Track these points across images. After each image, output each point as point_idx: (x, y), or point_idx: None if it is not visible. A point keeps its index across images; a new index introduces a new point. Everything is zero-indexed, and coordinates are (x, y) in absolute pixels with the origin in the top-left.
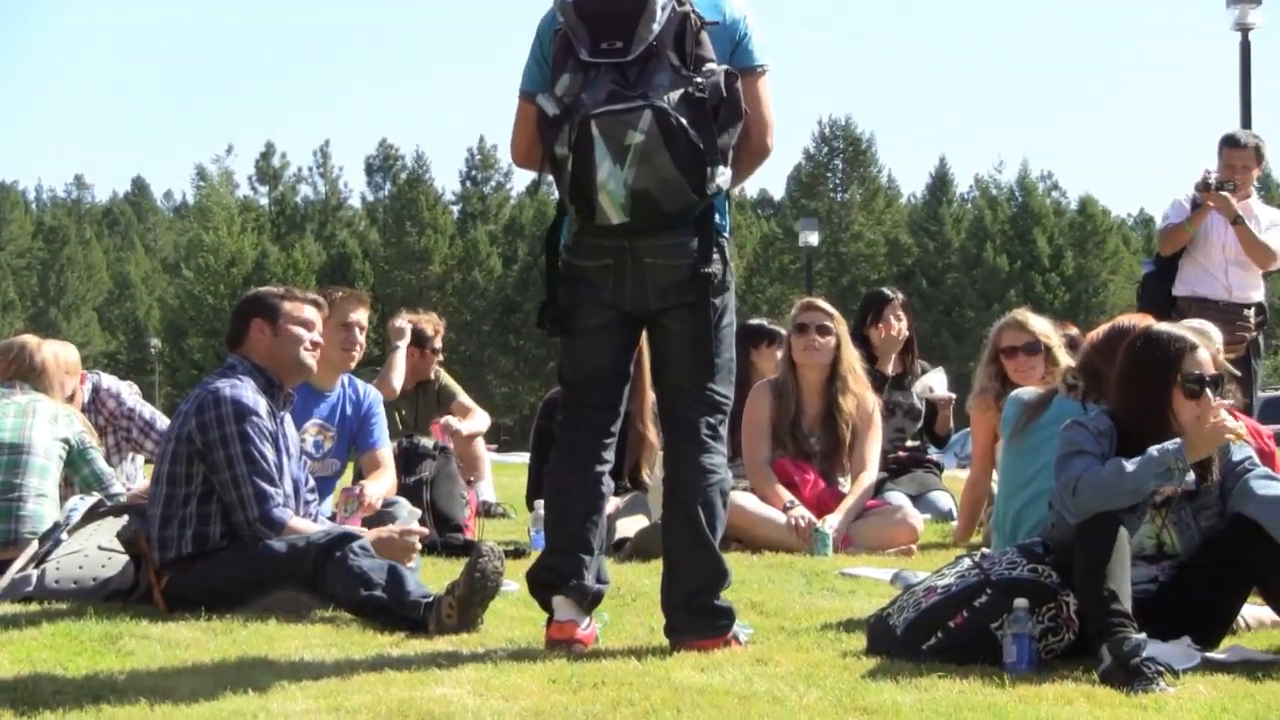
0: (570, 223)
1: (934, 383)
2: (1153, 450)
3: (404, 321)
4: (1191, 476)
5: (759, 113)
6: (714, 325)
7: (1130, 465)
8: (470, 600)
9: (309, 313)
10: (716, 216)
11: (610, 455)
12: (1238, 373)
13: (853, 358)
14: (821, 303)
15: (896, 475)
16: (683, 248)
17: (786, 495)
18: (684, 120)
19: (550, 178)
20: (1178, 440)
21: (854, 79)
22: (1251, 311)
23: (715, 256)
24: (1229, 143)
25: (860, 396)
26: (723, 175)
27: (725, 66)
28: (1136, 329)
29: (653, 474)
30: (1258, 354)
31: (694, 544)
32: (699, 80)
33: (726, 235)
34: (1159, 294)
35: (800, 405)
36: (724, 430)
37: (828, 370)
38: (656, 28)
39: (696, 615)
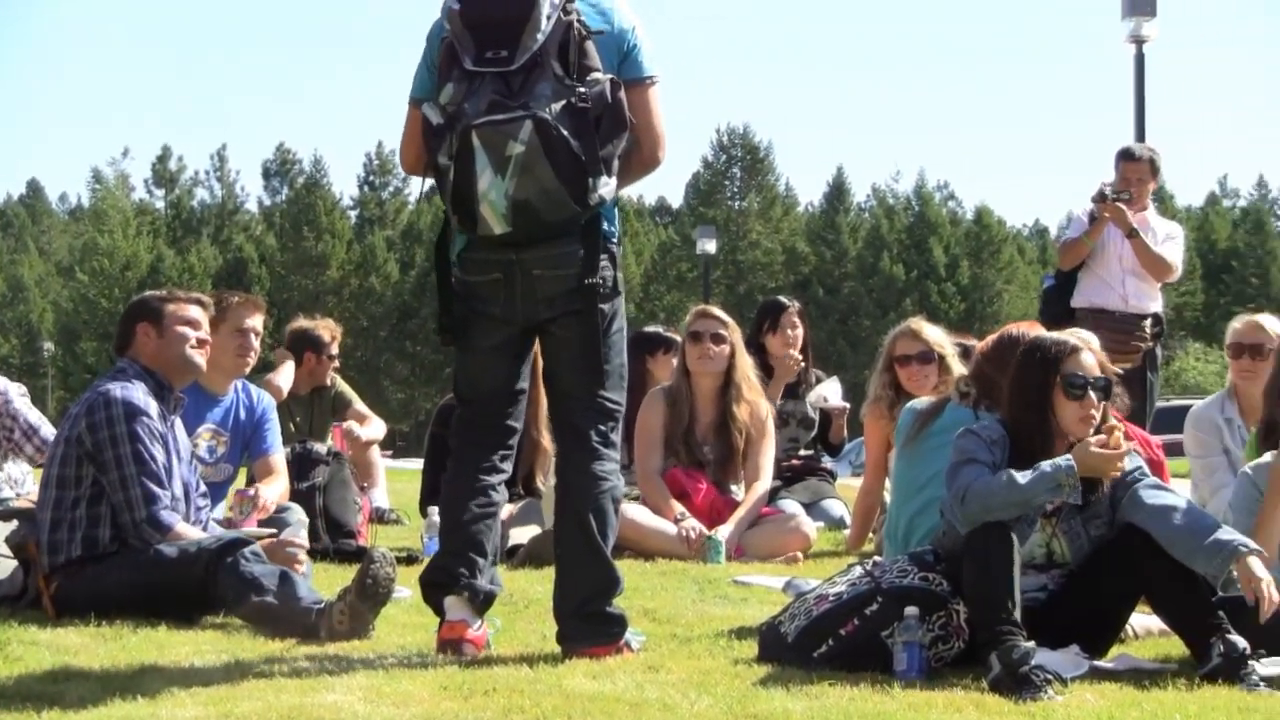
0: (458, 234)
1: (828, 392)
2: (1045, 465)
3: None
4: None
5: (648, 123)
6: (602, 332)
7: (1021, 478)
8: (362, 606)
9: (193, 312)
10: (604, 224)
11: (508, 466)
12: (1119, 370)
13: (747, 366)
14: (716, 311)
15: (790, 483)
16: (569, 257)
17: (678, 507)
18: (565, 131)
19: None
20: (1069, 456)
21: (752, 88)
22: (1148, 322)
23: (603, 264)
24: (1125, 156)
25: (754, 405)
26: (606, 186)
27: (610, 76)
28: (1026, 336)
29: (546, 481)
30: (1154, 365)
31: (586, 551)
32: (582, 90)
33: (615, 242)
34: (1059, 307)
35: (694, 413)
36: (616, 437)
37: (722, 378)
38: (541, 37)
39: (588, 622)
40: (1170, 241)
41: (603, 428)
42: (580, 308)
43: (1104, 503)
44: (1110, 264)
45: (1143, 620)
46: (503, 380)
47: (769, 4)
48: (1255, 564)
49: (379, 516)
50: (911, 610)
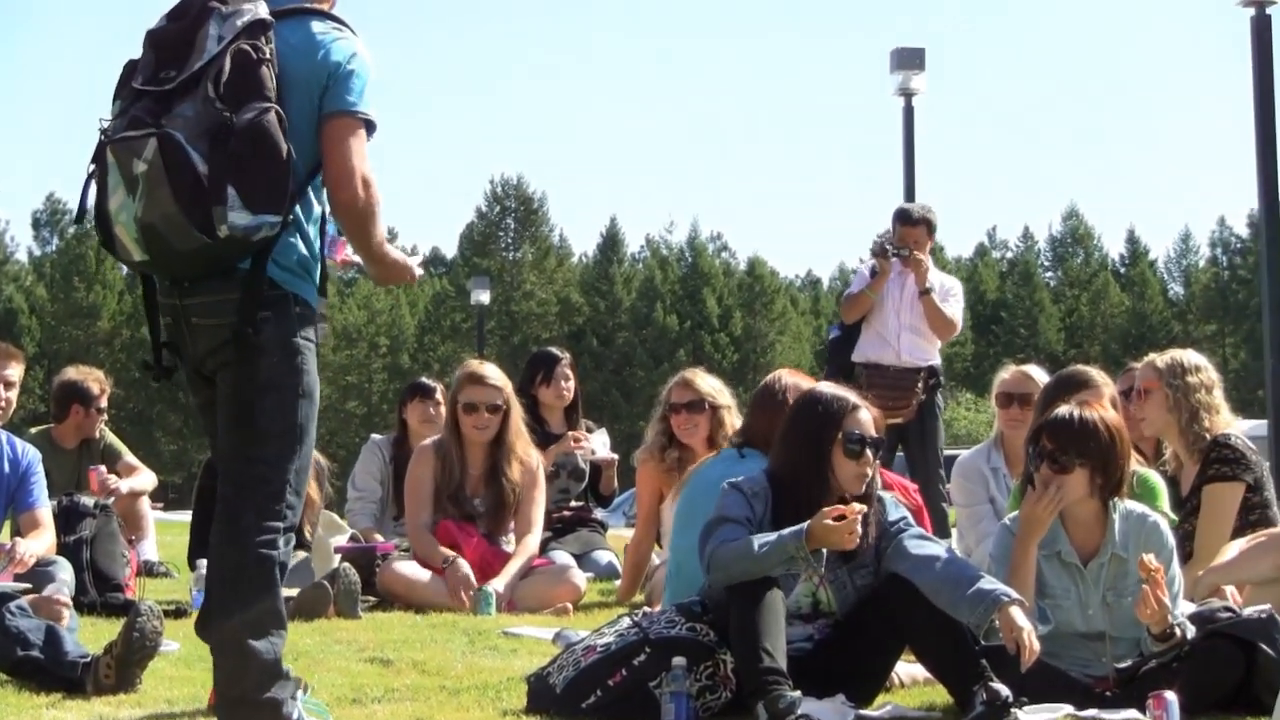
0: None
1: (596, 444)
2: (784, 533)
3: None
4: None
5: (343, 161)
6: (262, 388)
7: (759, 546)
8: (128, 660)
9: None
10: (280, 270)
11: None
12: (898, 420)
13: (519, 421)
14: (488, 376)
15: (561, 534)
16: (226, 304)
17: (446, 552)
18: (196, 153)
19: None
20: (803, 528)
21: (525, 138)
22: (922, 376)
23: (264, 315)
24: (901, 218)
25: (525, 458)
26: (240, 217)
27: (273, 106)
28: (785, 384)
29: (314, 532)
30: (934, 415)
31: (230, 645)
32: (227, 113)
33: (303, 293)
34: (843, 358)
35: (464, 466)
36: (280, 506)
37: (491, 439)
38: (204, 59)
39: (236, 711)
40: (951, 298)
41: (259, 503)
42: (233, 360)
43: (869, 553)
44: (887, 320)
45: (908, 669)
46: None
47: (541, 54)
48: (1016, 613)
49: (148, 569)
50: (679, 660)
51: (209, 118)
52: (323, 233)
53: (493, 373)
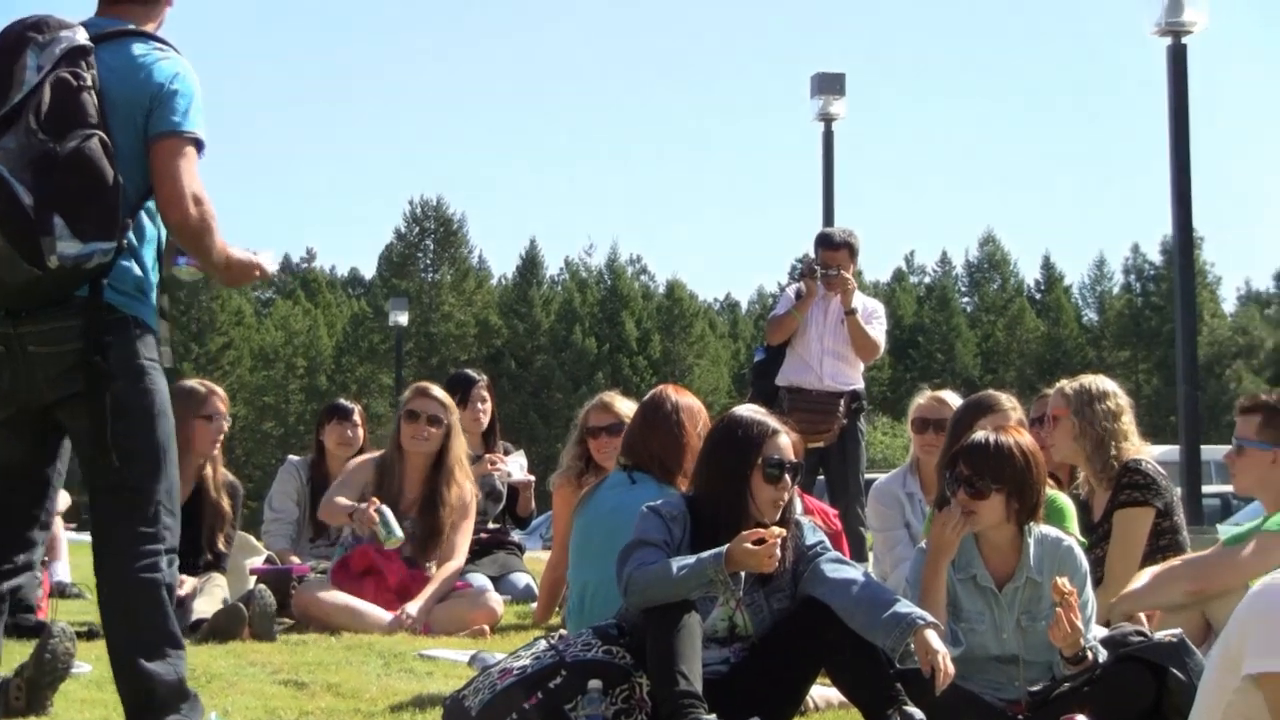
0: None
1: (513, 466)
2: (703, 556)
3: None
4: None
5: (172, 182)
6: (116, 412)
7: (677, 570)
8: (39, 682)
9: None
10: (117, 295)
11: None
12: (820, 444)
13: (461, 448)
14: (436, 391)
15: (478, 556)
16: (66, 332)
17: (347, 503)
18: (20, 185)
19: None
20: (722, 551)
21: (445, 160)
22: (844, 400)
23: (109, 340)
24: (823, 243)
25: (462, 488)
26: (69, 247)
27: (96, 133)
28: (674, 402)
29: (229, 546)
30: (856, 439)
31: (124, 667)
32: (50, 143)
33: (142, 315)
34: (767, 382)
35: (402, 488)
36: (159, 527)
37: (433, 458)
38: (24, 90)
39: None
40: (875, 320)
41: (133, 528)
42: (82, 390)
43: (787, 576)
44: (810, 344)
45: (823, 692)
46: (19, 459)
47: (462, 75)
48: (932, 637)
49: (60, 591)
50: (595, 683)
51: (32, 149)
52: (161, 253)
53: (439, 392)
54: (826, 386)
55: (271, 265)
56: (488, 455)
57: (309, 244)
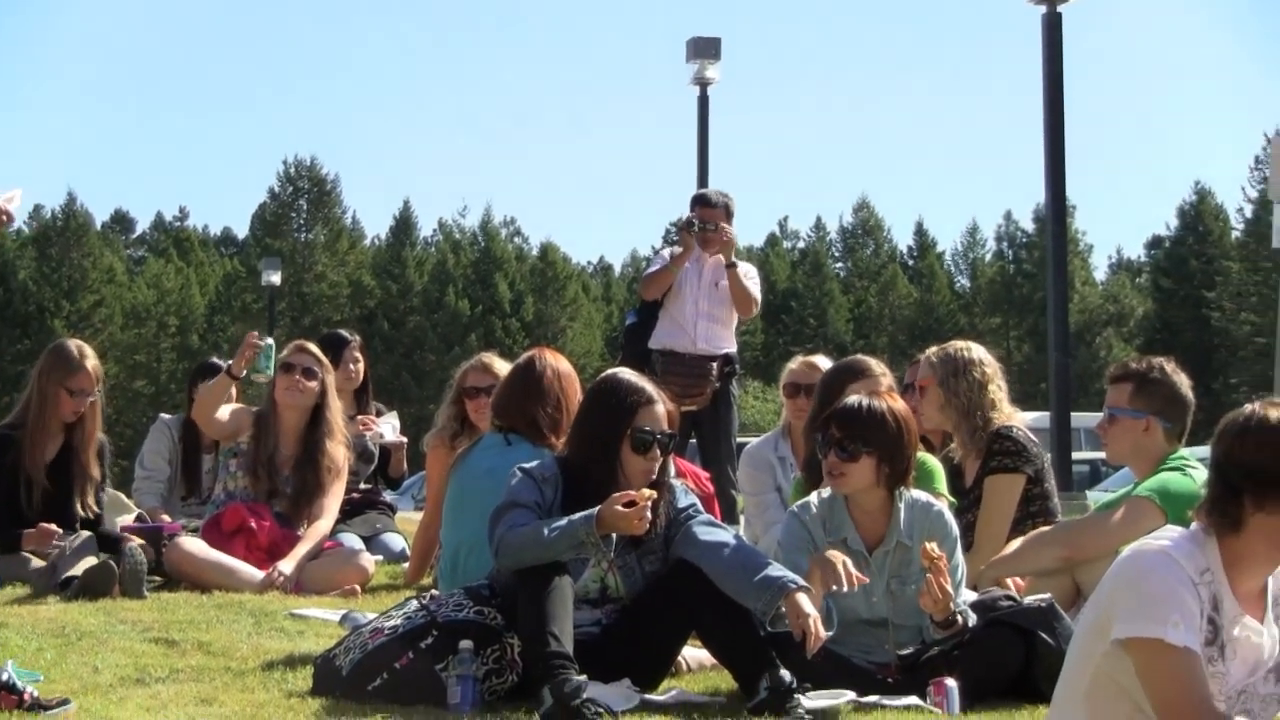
0: None
1: (385, 428)
2: (574, 518)
3: None
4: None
5: None
6: None
7: (548, 532)
8: None
9: None
10: None
11: None
12: (694, 408)
13: (338, 410)
14: (312, 346)
15: (350, 517)
16: None
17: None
18: None
19: None
20: (590, 513)
21: (319, 119)
22: (717, 364)
23: None
24: (700, 202)
25: (335, 451)
26: None
27: None
28: (547, 365)
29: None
30: (728, 403)
31: None
32: None
33: None
34: (640, 345)
35: (277, 443)
36: None
37: (309, 415)
38: None
39: None
40: (749, 280)
41: None
42: None
43: (659, 539)
44: (685, 307)
45: (695, 653)
46: None
47: (336, 33)
48: (803, 600)
49: None
50: (466, 644)
51: None
52: None
53: (315, 349)
54: (700, 350)
55: (13, 205)
56: (360, 416)
57: (181, 202)
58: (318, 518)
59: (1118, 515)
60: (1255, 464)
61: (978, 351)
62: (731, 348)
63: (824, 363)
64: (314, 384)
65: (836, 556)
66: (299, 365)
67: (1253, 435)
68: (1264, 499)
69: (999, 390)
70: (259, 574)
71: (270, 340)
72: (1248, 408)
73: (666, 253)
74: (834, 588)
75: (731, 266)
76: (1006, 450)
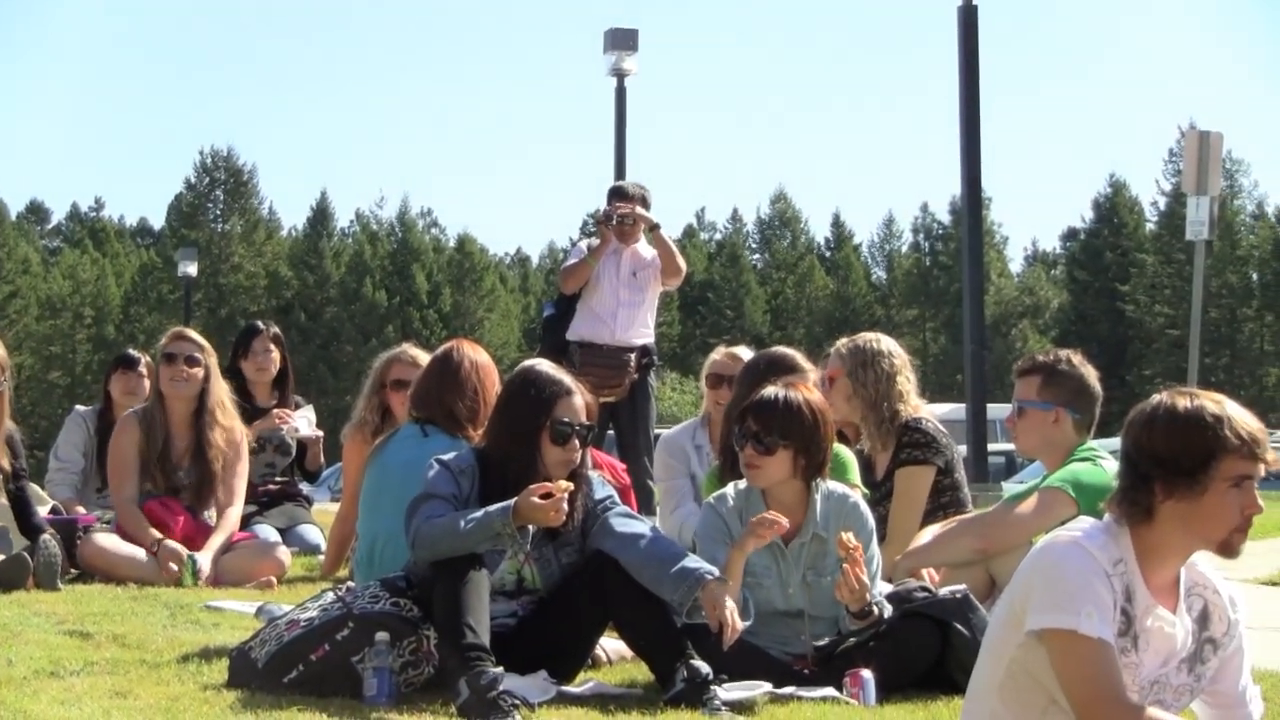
0: None
1: (301, 421)
2: (491, 509)
3: None
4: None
5: None
6: None
7: (465, 524)
8: None
9: None
10: None
11: None
12: (610, 400)
13: (222, 391)
14: (191, 333)
15: (267, 508)
16: None
17: (154, 533)
18: None
19: None
20: (509, 505)
21: (236, 110)
22: (635, 355)
23: None
24: (617, 194)
25: (229, 429)
26: None
27: None
28: (465, 356)
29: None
30: (646, 395)
31: None
32: None
33: None
34: (557, 336)
35: (169, 437)
36: None
37: (195, 402)
38: None
39: None
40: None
41: None
42: None
43: (575, 531)
44: (604, 299)
45: (614, 645)
46: None
47: (252, 23)
48: (719, 591)
49: None
50: (382, 635)
51: None
52: None
53: (194, 334)
54: (618, 341)
55: None
56: (276, 410)
57: (97, 193)
58: (228, 504)
59: (1031, 507)
60: (1164, 452)
61: (887, 343)
62: (650, 339)
63: (747, 354)
64: (198, 370)
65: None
66: (181, 354)
67: (1161, 424)
68: (1173, 487)
69: (908, 382)
70: (174, 566)
71: (193, 557)
72: (1156, 398)
73: (584, 245)
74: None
75: (655, 228)
76: (917, 442)
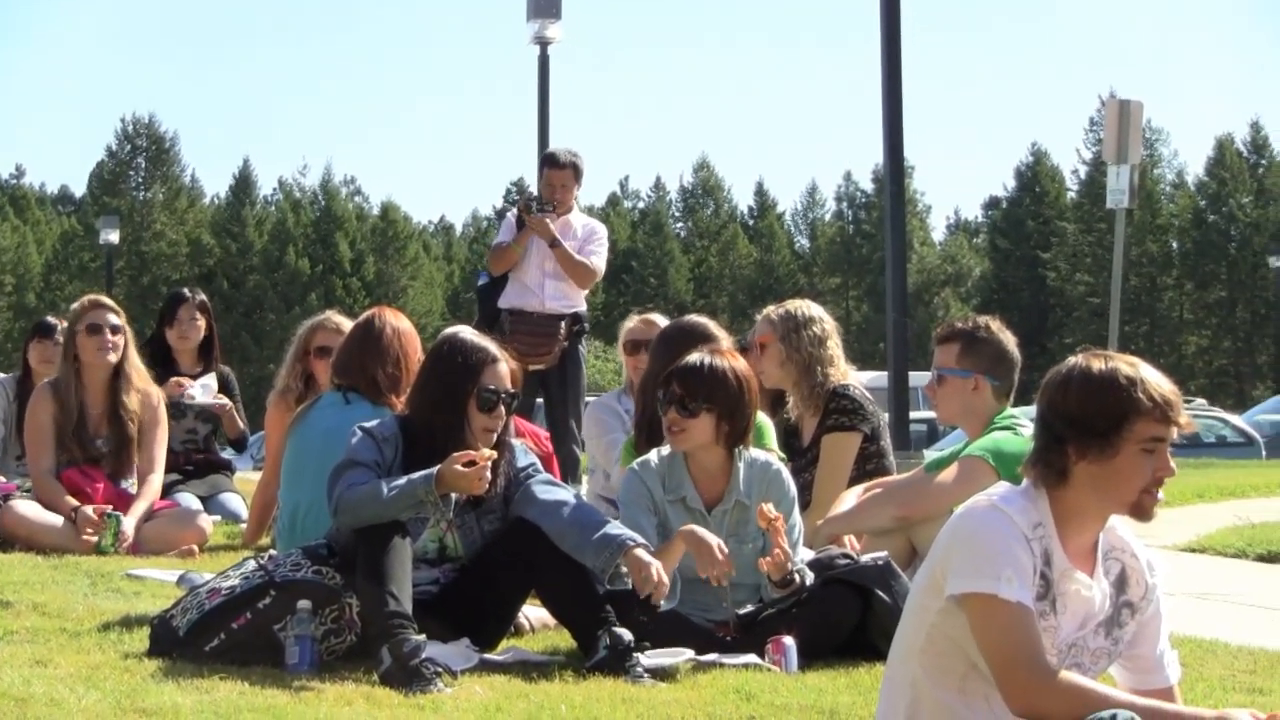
0: None
1: (197, 389)
2: (414, 477)
3: None
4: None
5: None
6: None
7: (387, 491)
8: None
9: None
10: None
11: None
12: (540, 367)
13: (134, 355)
14: (108, 300)
15: (189, 477)
16: None
17: (71, 501)
18: None
19: None
20: (430, 472)
21: (157, 76)
22: (565, 323)
23: None
24: (549, 162)
25: (145, 393)
26: None
27: None
28: (386, 323)
29: None
30: (576, 362)
31: None
32: None
33: None
34: (491, 305)
35: (84, 406)
36: None
37: (111, 368)
38: None
39: None
40: (593, 240)
41: None
42: None
43: (498, 499)
44: (531, 269)
45: (538, 612)
46: None
47: None
48: (642, 554)
49: None
50: (304, 604)
51: None
52: None
53: (109, 300)
54: (548, 309)
55: None
56: (174, 379)
57: (18, 160)
58: (148, 471)
59: (952, 476)
60: (1077, 414)
61: (815, 309)
62: (581, 307)
63: (662, 321)
64: (120, 338)
65: (712, 539)
66: (106, 324)
67: (1075, 385)
68: (1086, 449)
69: (836, 348)
70: (90, 534)
71: (121, 517)
72: (1071, 360)
73: (512, 218)
74: (703, 576)
75: (554, 245)
76: (843, 409)
